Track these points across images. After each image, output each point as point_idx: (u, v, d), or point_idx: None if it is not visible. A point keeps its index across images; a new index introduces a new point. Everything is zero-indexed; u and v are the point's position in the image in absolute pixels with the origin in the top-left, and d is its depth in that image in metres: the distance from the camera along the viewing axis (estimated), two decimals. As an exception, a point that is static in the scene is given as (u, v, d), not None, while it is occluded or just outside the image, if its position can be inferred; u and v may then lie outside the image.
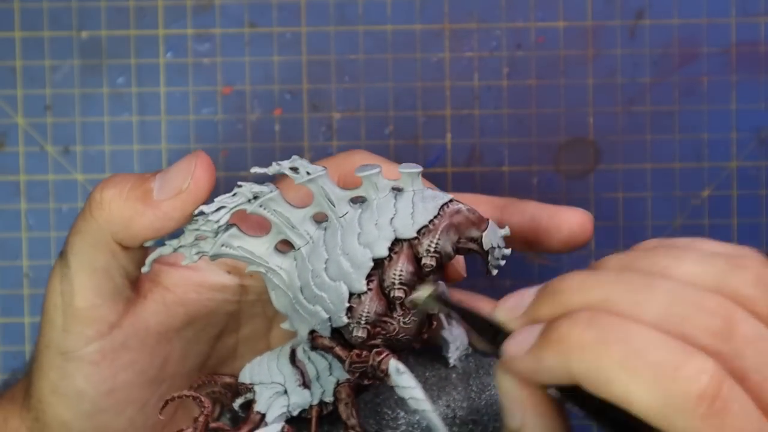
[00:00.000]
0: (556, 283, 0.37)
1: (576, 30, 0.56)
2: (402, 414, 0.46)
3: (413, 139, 0.57)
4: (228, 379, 0.47)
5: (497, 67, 0.57)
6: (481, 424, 0.46)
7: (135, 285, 0.45)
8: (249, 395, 0.45)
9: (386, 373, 0.42)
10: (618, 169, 0.57)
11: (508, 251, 0.43)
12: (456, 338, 0.48)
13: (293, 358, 0.45)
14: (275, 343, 0.49)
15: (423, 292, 0.42)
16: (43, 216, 0.57)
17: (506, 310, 0.39)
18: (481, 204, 0.48)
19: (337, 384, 0.44)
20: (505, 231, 0.43)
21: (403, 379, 0.42)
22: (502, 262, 0.43)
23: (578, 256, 0.57)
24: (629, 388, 0.34)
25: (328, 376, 0.45)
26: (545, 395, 0.37)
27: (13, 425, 0.47)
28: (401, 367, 0.42)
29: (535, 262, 0.57)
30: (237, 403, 0.45)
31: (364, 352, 0.42)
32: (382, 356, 0.42)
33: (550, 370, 0.35)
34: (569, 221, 0.47)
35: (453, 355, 0.48)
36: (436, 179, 0.56)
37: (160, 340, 0.46)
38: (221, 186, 0.57)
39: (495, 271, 0.43)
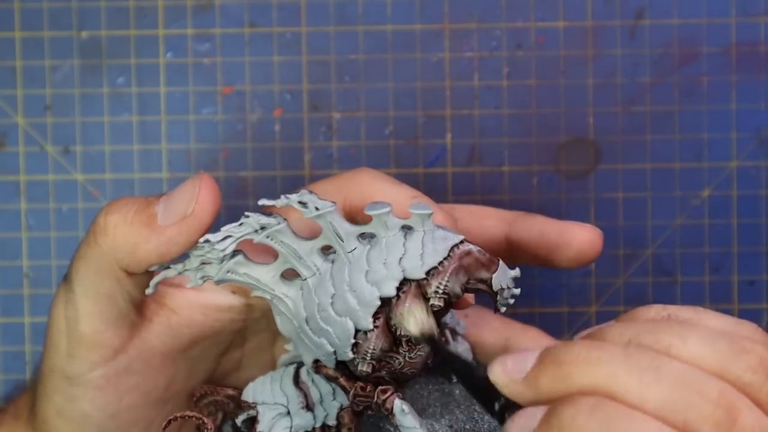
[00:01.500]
0: (561, 351, 0.36)
1: (576, 30, 0.56)
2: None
3: (413, 139, 0.57)
4: (231, 392, 0.46)
5: (497, 67, 0.57)
6: None
7: (140, 309, 0.45)
8: (252, 412, 0.45)
9: (390, 412, 0.42)
10: (618, 169, 0.57)
11: (517, 291, 0.42)
12: (461, 354, 0.48)
13: (297, 379, 0.45)
14: (279, 355, 0.49)
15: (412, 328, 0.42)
16: (43, 216, 0.57)
17: (504, 373, 0.38)
18: (489, 217, 0.47)
19: (341, 409, 0.44)
20: (516, 272, 0.43)
21: (407, 419, 0.42)
22: (512, 301, 0.42)
23: (578, 256, 0.57)
24: None
25: (332, 400, 0.44)
26: None
27: None
28: (406, 407, 0.42)
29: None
30: (240, 419, 0.45)
31: (369, 386, 0.42)
32: (387, 395, 0.42)
33: None
34: (579, 238, 0.46)
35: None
36: (436, 179, 0.56)
37: (165, 361, 0.46)
38: (221, 187, 0.57)
39: (504, 309, 0.42)
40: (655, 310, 0.39)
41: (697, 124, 0.57)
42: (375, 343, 0.41)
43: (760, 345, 0.36)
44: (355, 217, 0.44)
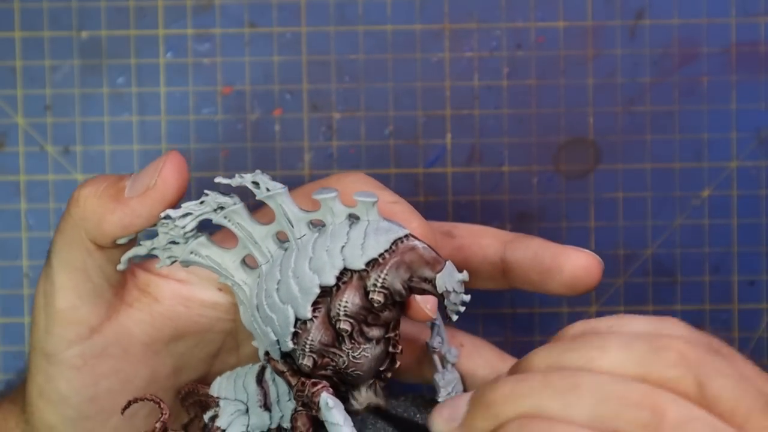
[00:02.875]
0: (488, 393, 0.37)
1: (576, 30, 0.56)
2: None
3: (413, 139, 0.57)
4: (208, 389, 0.46)
5: (497, 67, 0.57)
6: None
7: (117, 290, 0.45)
8: (217, 409, 0.45)
9: (317, 406, 0.41)
10: (618, 169, 0.57)
11: (467, 297, 0.41)
12: (449, 383, 0.47)
13: (261, 377, 0.45)
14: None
15: (363, 399, 0.42)
16: (43, 216, 0.57)
17: (443, 421, 0.39)
18: (487, 236, 0.47)
19: (294, 411, 0.43)
20: (464, 276, 0.41)
21: (332, 414, 0.41)
22: (462, 308, 0.41)
23: (578, 256, 0.57)
24: None
25: (287, 401, 0.44)
26: None
27: (11, 425, 0.47)
28: (331, 401, 0.41)
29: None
30: (207, 416, 0.45)
31: (307, 381, 0.42)
32: (317, 387, 0.41)
33: None
34: (573, 263, 0.45)
35: (443, 396, 0.47)
36: (436, 179, 0.56)
37: (146, 351, 0.46)
38: (221, 187, 0.57)
39: (455, 317, 0.41)
40: (577, 327, 0.39)
41: (697, 124, 0.57)
42: (314, 334, 0.41)
43: (678, 340, 0.37)
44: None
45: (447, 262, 0.41)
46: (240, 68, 0.57)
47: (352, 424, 0.41)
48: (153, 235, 0.44)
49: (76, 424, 0.45)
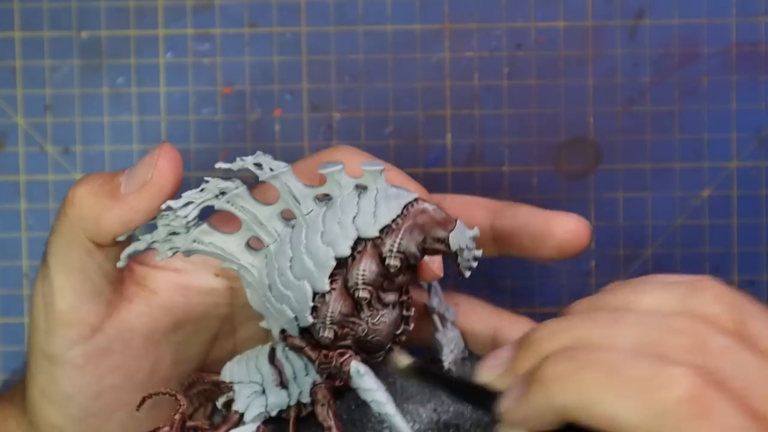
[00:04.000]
0: (530, 335, 0.38)
1: (576, 30, 0.56)
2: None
3: (413, 139, 0.57)
4: (215, 377, 0.46)
5: (497, 67, 0.57)
6: (462, 429, 0.46)
7: (116, 287, 0.45)
8: (230, 394, 0.45)
9: (348, 375, 0.41)
10: (618, 169, 0.57)
11: (479, 252, 0.42)
12: (451, 341, 0.47)
13: (272, 357, 0.45)
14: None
15: (400, 362, 0.41)
16: (43, 216, 0.57)
17: (488, 370, 0.39)
18: (476, 207, 0.48)
19: (314, 384, 0.44)
20: (474, 232, 0.42)
21: (364, 380, 0.41)
22: (474, 264, 0.42)
23: (578, 259, 0.57)
24: (613, 406, 0.34)
25: (305, 376, 0.44)
26: None
27: (11, 427, 0.47)
28: (362, 368, 0.41)
29: (534, 262, 0.57)
30: (220, 402, 0.45)
31: (331, 353, 0.42)
32: (345, 357, 0.42)
33: (541, 412, 0.36)
34: (563, 227, 0.46)
35: (448, 358, 0.48)
36: (436, 179, 0.56)
37: (147, 344, 0.46)
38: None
39: (467, 273, 0.42)
40: (612, 284, 0.40)
41: (697, 124, 0.57)
42: (333, 306, 0.41)
43: (715, 283, 0.37)
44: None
45: (457, 220, 0.41)
46: (240, 68, 0.57)
47: (384, 388, 0.41)
48: (151, 229, 0.44)
49: (82, 423, 0.45)
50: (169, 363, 0.46)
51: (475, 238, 0.42)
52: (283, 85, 0.57)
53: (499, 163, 0.56)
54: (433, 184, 0.56)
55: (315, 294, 0.41)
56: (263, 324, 0.44)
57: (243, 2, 0.56)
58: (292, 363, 0.44)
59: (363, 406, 0.46)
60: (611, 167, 0.57)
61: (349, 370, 0.41)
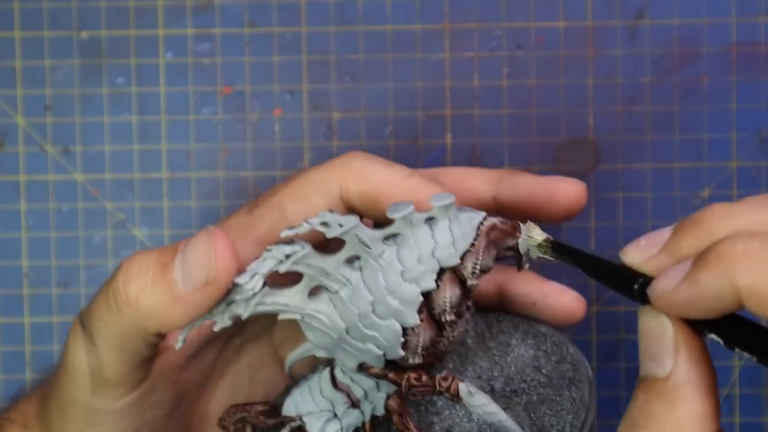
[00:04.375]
0: (698, 214, 0.36)
1: (576, 30, 0.56)
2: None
3: (413, 139, 0.57)
4: (261, 407, 0.46)
5: (497, 67, 0.57)
6: (523, 393, 0.46)
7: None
8: (294, 424, 0.45)
9: (458, 396, 0.43)
10: (618, 169, 0.57)
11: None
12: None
13: (334, 380, 0.45)
14: (278, 339, 0.49)
15: (533, 239, 0.42)
16: (43, 216, 0.57)
17: (638, 250, 0.37)
18: (474, 179, 0.48)
19: (388, 397, 0.45)
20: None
21: (476, 399, 0.43)
22: (534, 257, 0.44)
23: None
24: None
25: (377, 392, 0.45)
26: (699, 338, 0.35)
27: None
28: (472, 389, 0.43)
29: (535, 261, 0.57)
30: (287, 430, 0.45)
31: (423, 376, 0.43)
32: (450, 381, 0.43)
33: (712, 293, 0.33)
34: (566, 193, 0.47)
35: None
36: (436, 179, 0.56)
37: (180, 369, 0.46)
38: (221, 186, 0.57)
39: (527, 266, 0.44)
40: None
41: (697, 124, 0.57)
42: (423, 335, 0.42)
43: None
44: (352, 201, 0.44)
45: (521, 226, 0.43)
46: (240, 68, 0.57)
47: (491, 399, 0.43)
48: None
49: None
50: (195, 381, 0.47)
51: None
52: (283, 85, 0.57)
53: (499, 163, 0.56)
54: (433, 184, 0.56)
55: (404, 329, 0.42)
56: (321, 354, 0.44)
57: (243, 2, 0.56)
58: (360, 383, 0.45)
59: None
60: (611, 167, 0.57)
61: (458, 392, 0.43)
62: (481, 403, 0.43)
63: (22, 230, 0.57)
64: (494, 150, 0.57)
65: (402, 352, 0.42)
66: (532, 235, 0.43)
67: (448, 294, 0.42)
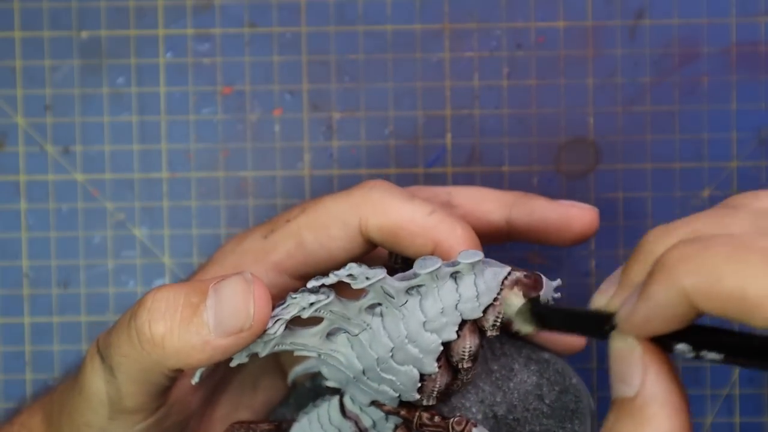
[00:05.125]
0: (639, 242, 0.37)
1: (576, 30, 0.56)
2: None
3: (413, 139, 0.57)
4: (266, 426, 0.45)
5: (497, 67, 0.57)
6: (526, 422, 0.46)
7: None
8: None
9: None
10: (618, 169, 0.57)
11: (558, 295, 0.44)
12: None
13: (343, 409, 0.45)
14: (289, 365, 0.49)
15: (512, 307, 0.42)
16: (43, 216, 0.57)
17: (601, 294, 0.38)
18: (488, 201, 0.48)
19: (396, 427, 0.45)
20: (557, 282, 0.44)
21: None
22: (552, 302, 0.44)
23: (579, 257, 0.57)
24: (743, 278, 0.32)
25: (385, 423, 0.45)
26: (668, 357, 0.36)
27: None
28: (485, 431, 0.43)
29: (535, 261, 0.57)
30: None
31: (436, 417, 0.43)
32: (463, 426, 0.43)
33: (665, 303, 0.34)
34: (579, 220, 0.47)
35: None
36: (436, 179, 0.56)
37: (195, 392, 0.46)
38: (221, 186, 0.57)
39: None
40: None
41: (697, 124, 0.57)
42: (440, 380, 0.43)
43: None
44: (371, 234, 0.44)
45: (543, 278, 0.43)
46: (240, 68, 0.57)
47: None
48: None
49: None
50: (203, 397, 0.47)
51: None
52: (283, 85, 0.57)
53: (499, 163, 0.56)
54: (433, 184, 0.56)
55: (422, 375, 0.43)
56: (331, 383, 0.45)
57: (243, 2, 0.56)
58: (369, 414, 0.45)
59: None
60: (611, 167, 0.57)
61: None
62: None
63: (22, 230, 0.57)
64: (494, 150, 0.57)
65: (417, 396, 0.43)
66: (509, 304, 0.42)
67: (468, 344, 0.43)
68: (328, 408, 0.45)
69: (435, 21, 0.56)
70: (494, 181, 0.56)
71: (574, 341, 0.48)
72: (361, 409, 0.45)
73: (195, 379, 0.41)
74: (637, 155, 0.57)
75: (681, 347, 0.35)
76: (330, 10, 0.56)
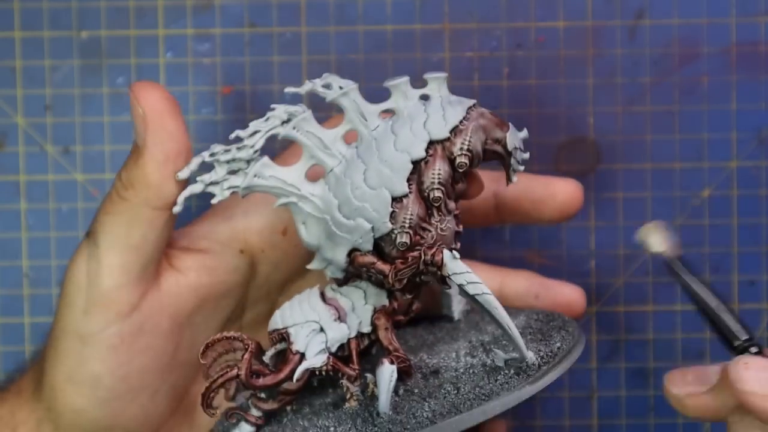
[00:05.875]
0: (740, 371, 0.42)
1: (576, 30, 0.56)
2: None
3: (413, 139, 0.57)
4: (233, 334, 0.45)
5: (497, 67, 0.57)
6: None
7: (157, 265, 0.46)
8: (279, 345, 0.45)
9: (442, 262, 0.43)
10: (618, 169, 0.57)
11: (527, 155, 0.45)
12: (457, 295, 0.49)
13: (323, 298, 0.46)
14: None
15: (652, 237, 0.46)
16: (43, 216, 0.57)
17: (685, 384, 0.44)
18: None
19: (374, 311, 0.45)
20: (524, 134, 0.45)
21: (458, 264, 0.43)
22: (521, 168, 0.45)
23: (579, 257, 0.57)
24: None
25: (364, 305, 0.45)
26: None
27: (21, 417, 0.47)
28: (455, 253, 0.43)
29: (535, 261, 0.57)
30: (268, 354, 0.45)
31: (410, 256, 0.43)
32: (434, 249, 0.43)
33: None
34: (563, 190, 0.50)
35: (456, 309, 0.50)
36: (436, 179, 0.56)
37: (173, 325, 0.46)
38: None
39: (515, 179, 0.45)
40: None
41: (697, 124, 0.57)
42: (411, 208, 0.43)
43: None
44: None
45: (509, 124, 0.45)
46: (240, 68, 0.57)
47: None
48: (209, 169, 0.45)
49: (106, 405, 0.46)
50: (187, 346, 0.47)
51: (524, 140, 0.45)
52: (283, 85, 0.57)
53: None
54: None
55: (393, 199, 0.43)
56: (314, 265, 0.46)
57: (243, 2, 0.56)
58: (348, 296, 0.46)
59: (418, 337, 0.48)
60: (611, 167, 0.57)
61: (442, 258, 0.43)
62: (464, 270, 0.43)
63: (22, 230, 0.57)
64: (494, 150, 0.56)
65: (390, 225, 0.43)
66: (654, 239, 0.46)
67: (437, 167, 0.43)
68: (309, 294, 0.46)
69: (435, 21, 0.56)
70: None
71: (575, 302, 0.51)
72: (340, 294, 0.45)
73: (177, 208, 0.45)
74: (637, 155, 0.57)
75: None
76: (330, 10, 0.56)
